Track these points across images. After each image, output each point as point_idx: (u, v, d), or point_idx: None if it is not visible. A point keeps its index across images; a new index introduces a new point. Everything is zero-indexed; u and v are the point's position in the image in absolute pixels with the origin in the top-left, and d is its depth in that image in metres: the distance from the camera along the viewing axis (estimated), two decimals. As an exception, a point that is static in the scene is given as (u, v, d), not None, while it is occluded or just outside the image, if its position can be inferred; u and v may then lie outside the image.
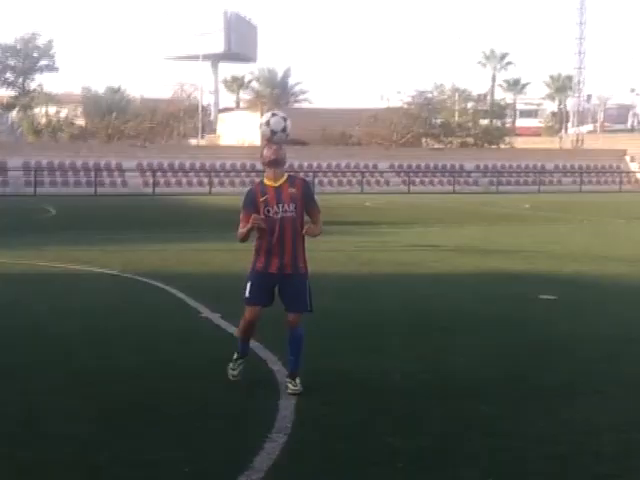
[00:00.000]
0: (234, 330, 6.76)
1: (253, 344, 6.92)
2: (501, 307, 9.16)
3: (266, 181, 5.70)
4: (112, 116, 59.13)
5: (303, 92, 65.87)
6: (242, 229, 5.67)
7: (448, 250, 15.11)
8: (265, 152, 5.65)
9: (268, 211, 5.59)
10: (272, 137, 5.67)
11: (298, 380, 5.66)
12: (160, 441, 4.75)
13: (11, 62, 66.41)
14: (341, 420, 5.16)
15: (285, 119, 5.72)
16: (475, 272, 12.02)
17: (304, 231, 5.65)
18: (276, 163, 5.64)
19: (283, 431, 4.89)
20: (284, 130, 5.68)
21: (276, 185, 5.63)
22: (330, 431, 4.95)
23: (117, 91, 67.21)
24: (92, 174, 43.99)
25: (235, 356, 5.91)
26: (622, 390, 5.89)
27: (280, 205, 5.60)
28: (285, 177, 5.70)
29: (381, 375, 6.19)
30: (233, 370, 5.89)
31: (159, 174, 46.28)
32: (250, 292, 5.70)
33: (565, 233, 19.23)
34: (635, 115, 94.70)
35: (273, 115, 5.76)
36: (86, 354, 6.87)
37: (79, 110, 64.65)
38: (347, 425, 5.06)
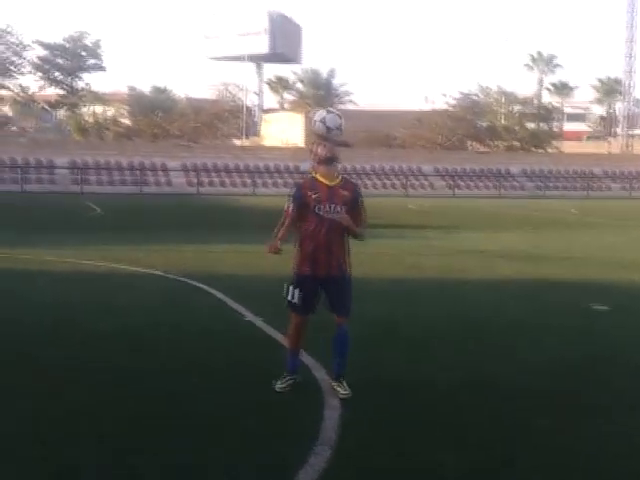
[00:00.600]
0: (282, 339, 6.58)
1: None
2: (553, 317, 8.86)
3: (319, 177, 5.56)
4: (157, 115, 59.62)
5: (347, 93, 65.66)
6: (282, 230, 5.57)
7: (495, 256, 14.79)
8: (320, 150, 5.52)
9: (319, 209, 5.47)
10: (327, 134, 5.56)
11: (345, 383, 5.54)
12: (197, 447, 4.62)
13: (59, 61, 67.29)
14: (389, 433, 4.97)
15: (340, 117, 5.63)
16: (524, 279, 11.71)
17: (343, 220, 5.51)
18: (331, 161, 5.53)
19: (327, 444, 4.73)
20: (339, 128, 5.58)
21: (330, 184, 5.54)
22: (377, 444, 4.77)
23: (163, 91, 67.74)
24: (137, 173, 44.41)
25: (284, 375, 5.71)
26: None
27: (332, 205, 5.49)
28: (339, 178, 5.61)
29: (431, 386, 5.98)
30: (281, 384, 5.67)
31: (203, 174, 46.54)
32: (299, 299, 5.55)
33: (614, 240, 18.74)
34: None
35: (329, 112, 5.67)
36: (126, 354, 6.79)
37: (125, 109, 65.33)
38: (394, 438, 4.87)
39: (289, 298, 5.58)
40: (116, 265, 12.45)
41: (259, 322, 8.16)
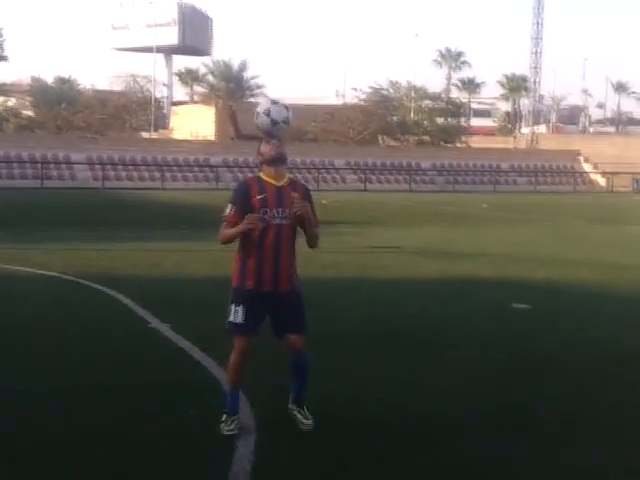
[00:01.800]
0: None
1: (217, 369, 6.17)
2: (476, 317, 8.50)
3: (265, 177, 4.75)
4: (61, 107, 57.48)
5: (259, 87, 64.54)
6: (231, 230, 4.67)
7: (411, 252, 14.46)
8: (263, 148, 4.75)
9: (265, 212, 4.63)
10: (273, 128, 4.78)
11: (307, 410, 4.85)
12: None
13: (-43, 50, 64.06)
14: (313, 461, 4.40)
15: (287, 108, 4.88)
16: (443, 277, 11.37)
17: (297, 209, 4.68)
18: (279, 160, 4.73)
19: (242, 475, 4.13)
20: (286, 121, 4.84)
21: (278, 185, 4.73)
22: (299, 476, 4.20)
23: (67, 81, 65.35)
24: (39, 166, 42.53)
25: (225, 417, 4.78)
26: (631, 423, 5.25)
27: (280, 210, 4.68)
28: (287, 178, 4.81)
29: (352, 403, 5.45)
30: (228, 426, 4.75)
31: (109, 167, 44.97)
32: (244, 318, 4.70)
33: (528, 235, 18.75)
34: (587, 116, 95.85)
35: (274, 103, 4.89)
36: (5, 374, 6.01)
37: (28, 100, 62.79)
38: (320, 466, 4.31)
39: (230, 319, 4.73)
40: (7, 266, 11.48)
41: (166, 330, 7.48)
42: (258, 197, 4.66)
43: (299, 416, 4.83)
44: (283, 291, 4.74)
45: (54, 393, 5.52)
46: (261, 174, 4.78)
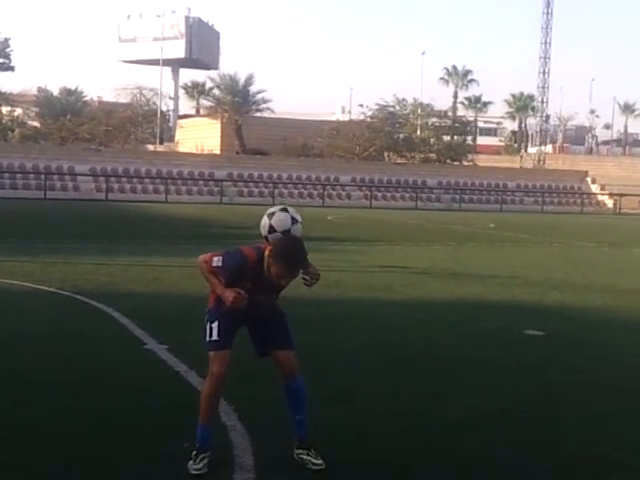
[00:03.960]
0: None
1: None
2: (487, 345, 8.11)
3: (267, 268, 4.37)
4: (66, 118, 57.40)
5: (265, 101, 64.51)
6: (212, 280, 4.39)
7: (418, 272, 14.09)
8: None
9: (249, 293, 4.33)
10: (268, 234, 4.43)
11: (314, 451, 4.46)
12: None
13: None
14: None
15: (295, 220, 4.46)
16: (450, 300, 10.99)
17: (310, 280, 4.46)
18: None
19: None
20: (285, 232, 4.40)
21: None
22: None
23: (73, 93, 65.35)
24: (42, 177, 42.31)
25: (194, 452, 4.37)
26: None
27: (268, 295, 4.48)
28: None
29: (356, 438, 5.06)
30: (196, 464, 4.33)
31: (113, 179, 44.76)
32: (219, 333, 4.39)
33: (537, 257, 18.38)
34: (594, 137, 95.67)
35: (282, 210, 4.50)
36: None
37: (33, 111, 62.78)
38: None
39: (208, 338, 4.43)
40: (4, 280, 11.14)
41: (162, 352, 7.13)
42: (249, 284, 4.35)
43: (308, 458, 4.44)
44: (262, 314, 4.52)
45: (42, 419, 5.15)
46: (266, 254, 4.36)
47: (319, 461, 4.40)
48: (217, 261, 4.36)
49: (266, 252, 4.34)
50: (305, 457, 4.44)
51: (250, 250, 4.42)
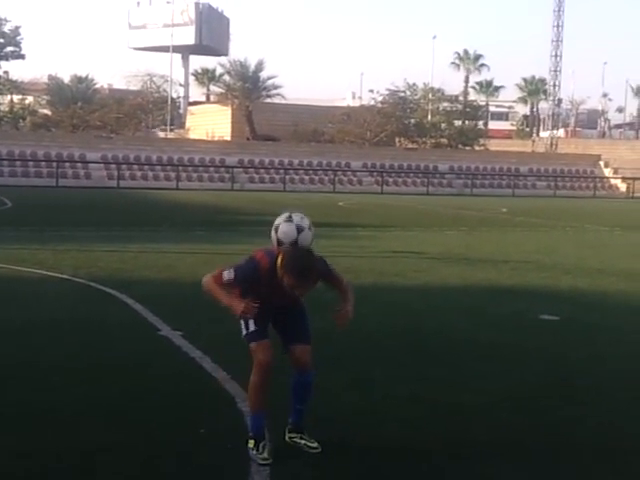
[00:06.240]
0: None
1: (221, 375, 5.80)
2: (502, 330, 8.07)
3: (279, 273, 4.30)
4: (77, 105, 57.42)
5: (276, 87, 64.26)
6: (221, 293, 4.32)
7: (431, 258, 14.04)
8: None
9: (266, 297, 4.34)
10: (278, 246, 4.38)
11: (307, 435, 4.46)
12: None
13: (-24, 48, 64.17)
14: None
15: (300, 229, 4.40)
16: (464, 285, 10.95)
17: (338, 322, 4.44)
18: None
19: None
20: (293, 243, 4.36)
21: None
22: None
23: (83, 80, 65.34)
24: (54, 165, 42.39)
25: (252, 443, 4.34)
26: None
27: (284, 300, 4.43)
28: None
29: (375, 424, 5.04)
30: (261, 453, 4.31)
31: (124, 167, 44.79)
32: (256, 323, 4.37)
33: (550, 241, 18.28)
34: (606, 121, 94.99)
35: (287, 220, 4.43)
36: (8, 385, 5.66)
37: (44, 99, 62.81)
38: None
39: (245, 331, 4.41)
40: (18, 267, 11.17)
41: (177, 338, 7.13)
42: (264, 290, 4.31)
43: (303, 442, 4.45)
44: (285, 307, 4.50)
45: (57, 406, 5.16)
46: (278, 263, 4.26)
47: (315, 444, 4.41)
48: (228, 274, 4.31)
49: (278, 260, 4.27)
50: (299, 440, 4.46)
51: (262, 255, 4.38)
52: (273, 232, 4.42)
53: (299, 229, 4.38)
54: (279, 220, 4.45)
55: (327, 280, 4.50)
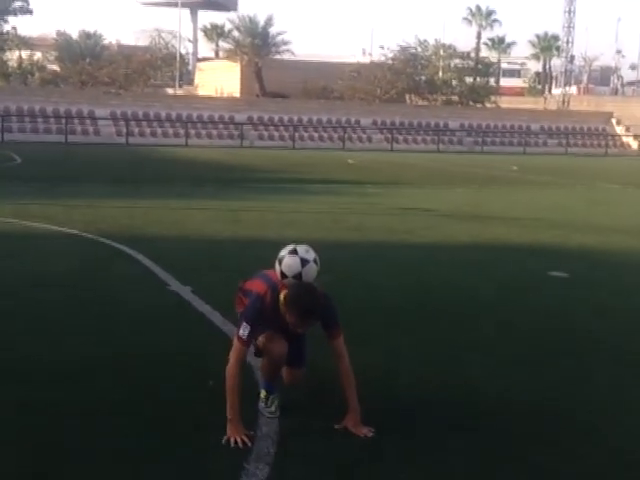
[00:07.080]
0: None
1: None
2: (511, 287, 8.06)
3: (282, 309, 4.16)
4: (86, 61, 57.08)
5: (285, 43, 63.66)
6: (231, 395, 4.04)
7: (440, 215, 14.01)
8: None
9: (276, 329, 4.25)
10: (282, 279, 4.23)
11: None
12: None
13: (-18, 2, 63.62)
14: (341, 446, 4.04)
15: (305, 261, 4.21)
16: (473, 243, 10.92)
17: (357, 432, 4.12)
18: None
19: (263, 460, 3.79)
20: (297, 277, 4.18)
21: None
22: (322, 465, 3.84)
23: (92, 36, 64.84)
24: (63, 121, 42.29)
25: (262, 394, 4.36)
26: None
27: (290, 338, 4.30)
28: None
29: (385, 386, 5.06)
30: (269, 407, 4.33)
31: (133, 123, 44.65)
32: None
33: (561, 199, 18.19)
34: (619, 78, 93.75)
35: (290, 253, 4.25)
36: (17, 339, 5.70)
37: (52, 55, 62.44)
38: (350, 451, 3.95)
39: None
40: (27, 222, 11.20)
41: (187, 293, 7.16)
42: (268, 325, 4.20)
43: (261, 404, 4.37)
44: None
45: (65, 361, 5.20)
46: (281, 298, 4.14)
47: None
48: (244, 330, 4.12)
49: (281, 295, 4.15)
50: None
51: (265, 289, 4.23)
52: (277, 264, 4.25)
53: (303, 262, 4.21)
54: (283, 252, 4.28)
55: (326, 328, 4.24)
